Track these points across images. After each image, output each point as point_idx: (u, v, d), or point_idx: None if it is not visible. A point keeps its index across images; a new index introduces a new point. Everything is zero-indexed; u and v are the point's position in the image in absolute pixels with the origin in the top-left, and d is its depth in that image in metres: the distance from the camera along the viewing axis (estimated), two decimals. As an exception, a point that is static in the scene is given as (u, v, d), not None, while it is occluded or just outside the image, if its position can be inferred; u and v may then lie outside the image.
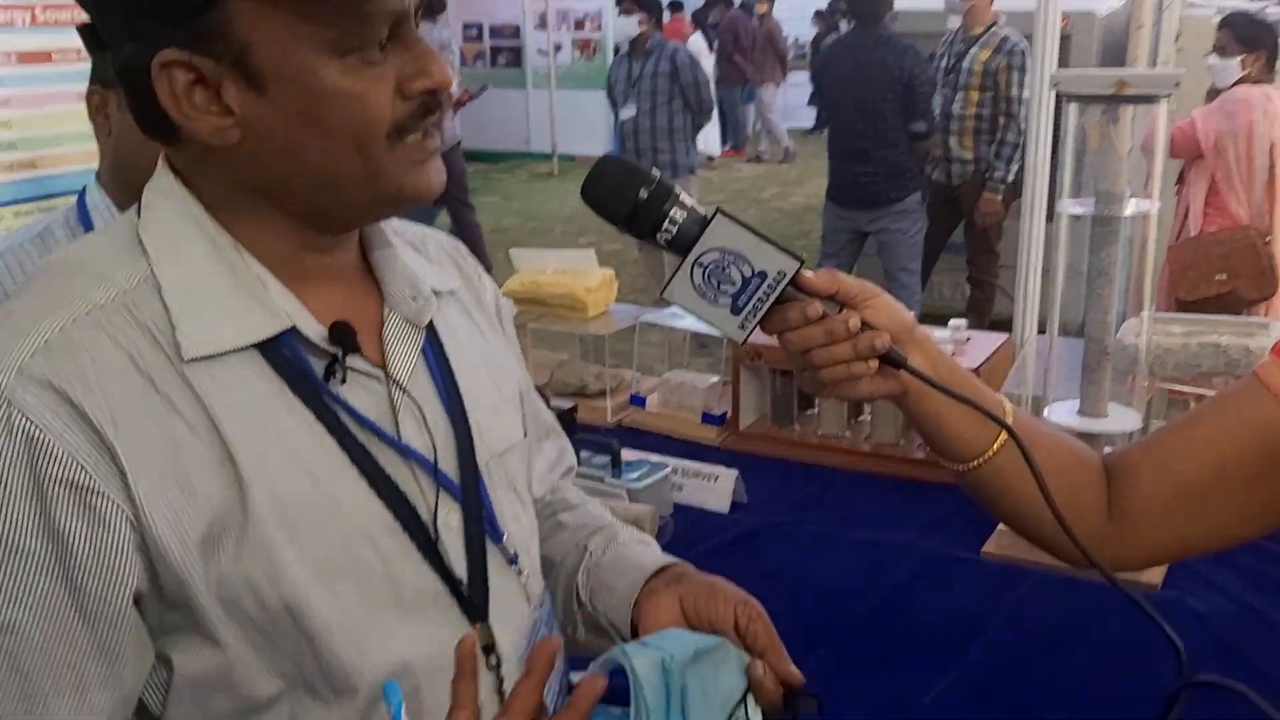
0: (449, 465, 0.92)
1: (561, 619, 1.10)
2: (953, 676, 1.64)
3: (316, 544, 0.83)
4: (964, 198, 5.26)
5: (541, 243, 8.60)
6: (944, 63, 5.23)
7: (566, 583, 1.10)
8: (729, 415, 2.49)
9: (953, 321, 2.41)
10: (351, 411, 0.86)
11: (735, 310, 0.96)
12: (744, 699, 0.94)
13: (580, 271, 2.68)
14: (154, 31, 0.77)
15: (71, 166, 3.13)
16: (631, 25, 5.90)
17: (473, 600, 0.92)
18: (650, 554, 1.10)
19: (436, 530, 0.90)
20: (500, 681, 0.94)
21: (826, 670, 1.62)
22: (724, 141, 12.68)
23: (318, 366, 0.86)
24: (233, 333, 0.82)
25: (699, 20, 12.98)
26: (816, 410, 2.46)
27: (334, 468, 0.85)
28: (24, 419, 0.75)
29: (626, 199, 0.95)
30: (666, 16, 11.09)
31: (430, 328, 0.96)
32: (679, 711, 0.89)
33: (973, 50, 5.11)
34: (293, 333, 0.85)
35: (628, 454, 2.14)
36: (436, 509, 0.90)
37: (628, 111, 6.19)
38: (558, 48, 12.31)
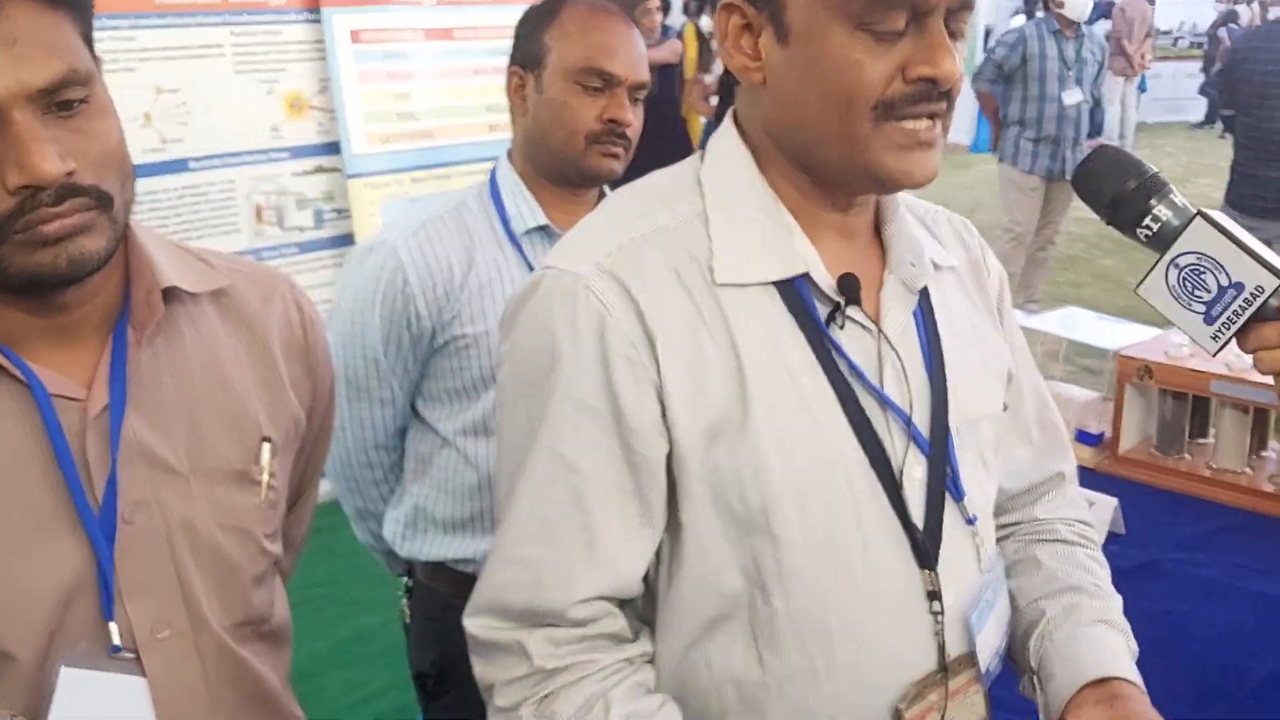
0: (922, 421, 1.01)
1: (1010, 655, 1.13)
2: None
3: (798, 458, 0.94)
4: None
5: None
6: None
7: (1023, 635, 1.13)
8: (1108, 436, 2.27)
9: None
10: (844, 355, 0.97)
11: (1208, 319, 0.92)
12: None
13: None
14: None
15: (464, 138, 3.29)
16: None
17: (925, 548, 0.99)
18: (1097, 650, 1.08)
19: (901, 477, 0.98)
20: (940, 629, 1.00)
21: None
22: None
23: (821, 311, 0.98)
24: (759, 269, 0.97)
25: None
26: (1213, 440, 2.19)
27: (822, 399, 0.96)
28: (598, 300, 0.93)
29: (1112, 186, 0.95)
30: None
31: (925, 295, 1.05)
32: None
33: None
34: (806, 277, 0.97)
35: (991, 467, 1.98)
36: (906, 458, 0.99)
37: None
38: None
